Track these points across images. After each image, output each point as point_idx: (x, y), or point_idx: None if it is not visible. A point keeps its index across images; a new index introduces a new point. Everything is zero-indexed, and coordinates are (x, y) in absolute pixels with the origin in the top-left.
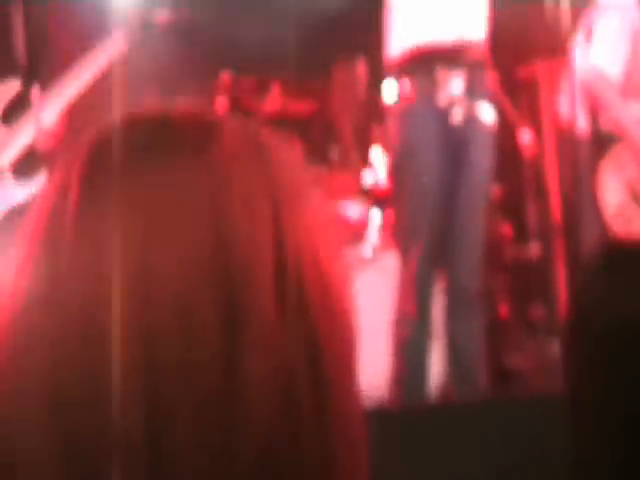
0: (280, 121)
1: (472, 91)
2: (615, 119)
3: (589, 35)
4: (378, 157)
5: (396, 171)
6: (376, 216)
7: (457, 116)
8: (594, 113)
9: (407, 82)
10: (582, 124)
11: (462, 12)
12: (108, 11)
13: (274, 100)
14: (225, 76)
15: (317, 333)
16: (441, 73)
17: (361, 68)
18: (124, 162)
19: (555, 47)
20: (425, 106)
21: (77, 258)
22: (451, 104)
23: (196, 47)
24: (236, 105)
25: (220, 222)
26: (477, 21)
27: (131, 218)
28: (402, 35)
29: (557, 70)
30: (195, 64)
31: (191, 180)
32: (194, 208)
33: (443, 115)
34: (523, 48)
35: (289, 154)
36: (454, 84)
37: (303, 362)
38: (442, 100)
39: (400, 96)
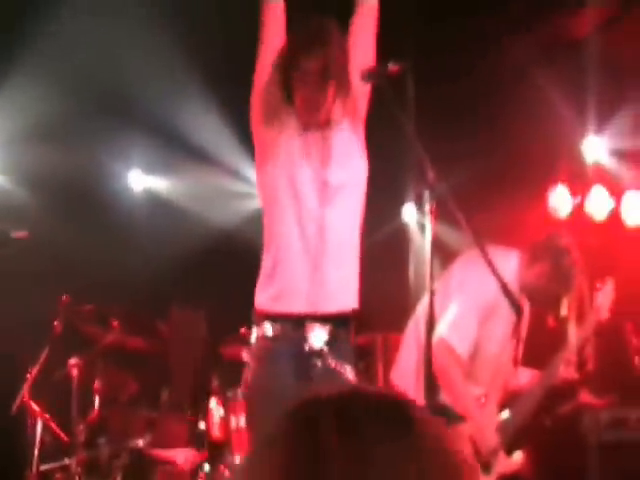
0: (118, 353)
1: (335, 346)
2: (456, 397)
3: (438, 308)
4: (214, 407)
5: (251, 417)
6: (206, 467)
7: (317, 368)
8: (434, 386)
9: (269, 327)
10: (418, 396)
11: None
12: None
13: (113, 332)
14: (64, 299)
15: None
16: (306, 324)
17: (202, 319)
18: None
19: (396, 319)
20: (285, 353)
21: None
22: (312, 355)
23: (42, 267)
24: (74, 330)
25: None
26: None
27: None
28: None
29: (395, 340)
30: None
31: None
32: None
33: (303, 364)
34: (366, 318)
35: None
36: (317, 336)
37: None
38: (303, 349)
39: (260, 340)
